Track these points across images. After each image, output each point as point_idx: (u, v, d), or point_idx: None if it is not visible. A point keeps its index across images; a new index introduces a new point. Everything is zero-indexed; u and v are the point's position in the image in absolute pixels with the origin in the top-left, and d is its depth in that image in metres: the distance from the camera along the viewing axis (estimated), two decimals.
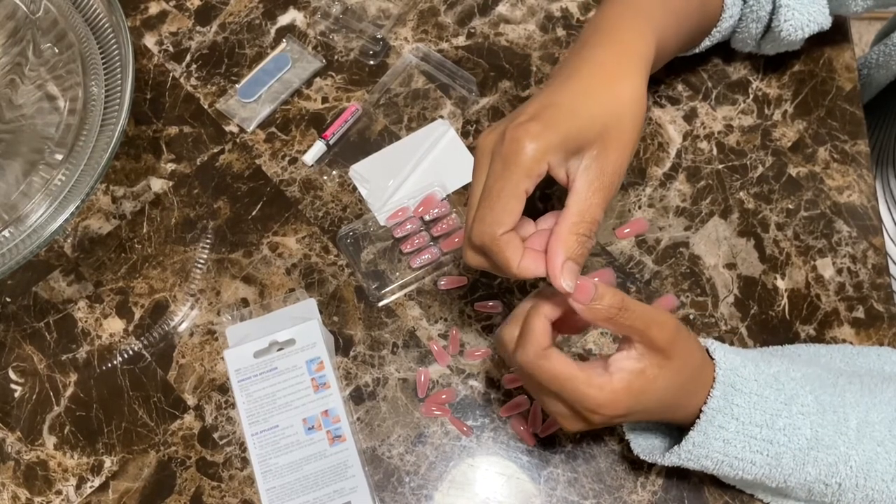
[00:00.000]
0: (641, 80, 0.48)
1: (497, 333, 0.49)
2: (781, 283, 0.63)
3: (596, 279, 0.44)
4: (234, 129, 0.70)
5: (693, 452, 0.48)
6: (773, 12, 0.64)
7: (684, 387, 0.47)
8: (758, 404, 0.48)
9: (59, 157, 0.63)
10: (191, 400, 0.60)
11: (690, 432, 0.48)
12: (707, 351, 0.50)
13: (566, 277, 0.44)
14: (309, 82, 0.71)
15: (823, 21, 0.64)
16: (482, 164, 0.47)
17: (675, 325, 0.46)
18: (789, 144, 0.68)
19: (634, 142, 0.47)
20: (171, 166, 0.68)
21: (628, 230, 0.64)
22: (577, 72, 0.48)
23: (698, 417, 0.48)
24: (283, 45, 0.72)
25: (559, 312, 0.46)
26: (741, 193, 0.66)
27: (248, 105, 0.70)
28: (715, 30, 0.63)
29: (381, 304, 0.63)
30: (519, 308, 0.48)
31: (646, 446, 0.53)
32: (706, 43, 0.64)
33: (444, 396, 0.59)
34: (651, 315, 0.45)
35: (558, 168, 0.46)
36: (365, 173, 0.67)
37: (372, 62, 0.72)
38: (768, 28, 0.65)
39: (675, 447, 0.49)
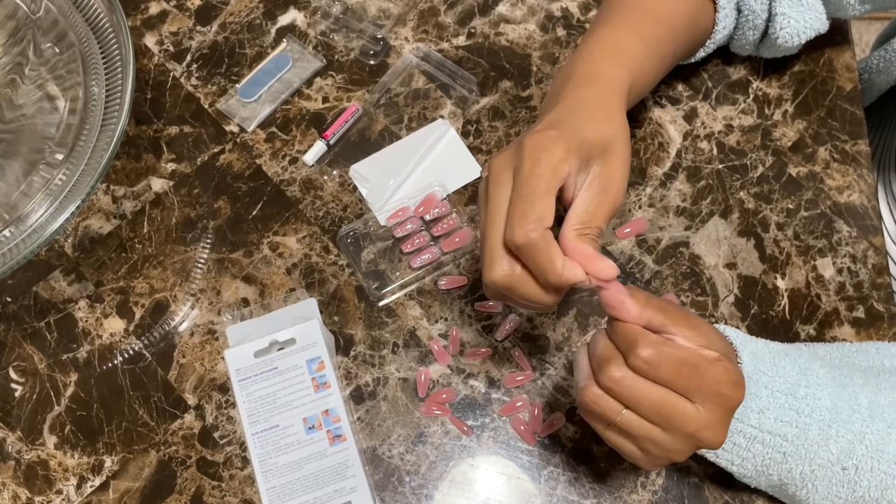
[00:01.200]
0: (624, 113, 0.50)
1: (588, 351, 0.46)
2: (781, 283, 0.63)
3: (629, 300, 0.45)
4: (235, 129, 0.70)
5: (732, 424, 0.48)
6: (769, 20, 0.64)
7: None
8: (778, 372, 0.48)
9: (60, 156, 0.63)
10: (191, 399, 0.60)
11: None
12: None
13: (602, 262, 0.44)
14: (309, 82, 0.71)
15: (820, 27, 0.64)
16: (500, 181, 0.46)
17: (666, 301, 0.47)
18: (789, 144, 0.68)
19: (628, 163, 0.48)
20: (171, 166, 0.68)
21: (628, 230, 0.64)
22: (570, 99, 0.50)
23: None
24: (283, 45, 0.72)
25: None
26: (741, 193, 0.66)
27: (249, 105, 0.70)
28: (709, 41, 0.63)
29: (381, 303, 0.63)
30: (597, 344, 0.45)
31: None
32: (701, 54, 0.65)
33: (444, 396, 0.59)
34: (658, 301, 0.45)
35: (570, 179, 0.46)
36: (365, 173, 0.67)
37: (372, 62, 0.72)
38: (765, 34, 0.65)
39: None
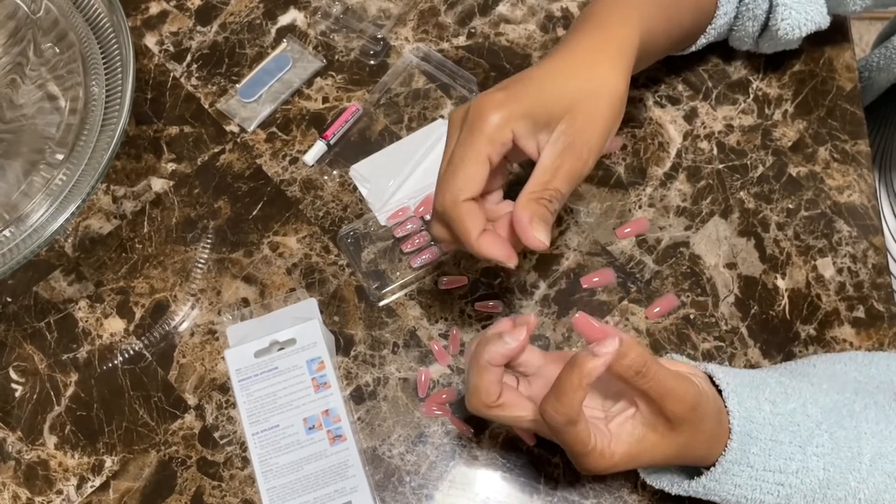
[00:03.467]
0: (621, 63, 0.49)
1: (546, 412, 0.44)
2: (782, 283, 0.63)
3: (619, 338, 0.42)
4: (235, 129, 0.70)
5: (701, 493, 0.48)
6: (770, 11, 0.64)
7: (685, 454, 0.46)
8: (773, 450, 0.47)
9: (60, 156, 0.63)
10: (191, 399, 0.60)
11: (702, 479, 0.48)
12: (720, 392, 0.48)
13: (537, 229, 0.45)
14: (309, 82, 0.71)
15: (821, 21, 0.64)
16: (451, 137, 0.48)
17: (693, 399, 0.44)
18: (789, 144, 0.68)
19: (608, 120, 0.47)
20: (171, 166, 0.68)
21: (629, 230, 0.64)
22: (556, 53, 0.50)
23: (713, 465, 0.47)
24: (283, 45, 0.72)
25: (602, 370, 0.42)
26: (741, 193, 0.66)
27: (249, 105, 0.70)
28: (710, 27, 0.63)
29: (381, 303, 0.63)
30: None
31: (653, 473, 0.53)
32: (702, 41, 0.64)
33: (444, 396, 0.59)
34: (670, 385, 0.43)
35: (526, 139, 0.46)
36: (365, 173, 0.67)
37: (372, 62, 0.72)
38: (766, 27, 0.65)
39: (685, 482, 0.49)
